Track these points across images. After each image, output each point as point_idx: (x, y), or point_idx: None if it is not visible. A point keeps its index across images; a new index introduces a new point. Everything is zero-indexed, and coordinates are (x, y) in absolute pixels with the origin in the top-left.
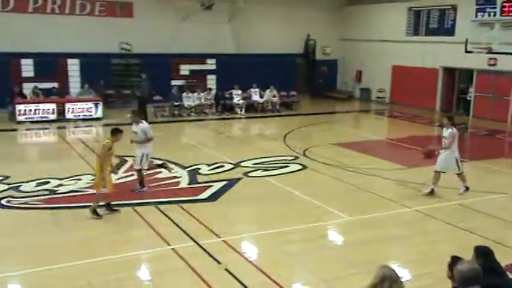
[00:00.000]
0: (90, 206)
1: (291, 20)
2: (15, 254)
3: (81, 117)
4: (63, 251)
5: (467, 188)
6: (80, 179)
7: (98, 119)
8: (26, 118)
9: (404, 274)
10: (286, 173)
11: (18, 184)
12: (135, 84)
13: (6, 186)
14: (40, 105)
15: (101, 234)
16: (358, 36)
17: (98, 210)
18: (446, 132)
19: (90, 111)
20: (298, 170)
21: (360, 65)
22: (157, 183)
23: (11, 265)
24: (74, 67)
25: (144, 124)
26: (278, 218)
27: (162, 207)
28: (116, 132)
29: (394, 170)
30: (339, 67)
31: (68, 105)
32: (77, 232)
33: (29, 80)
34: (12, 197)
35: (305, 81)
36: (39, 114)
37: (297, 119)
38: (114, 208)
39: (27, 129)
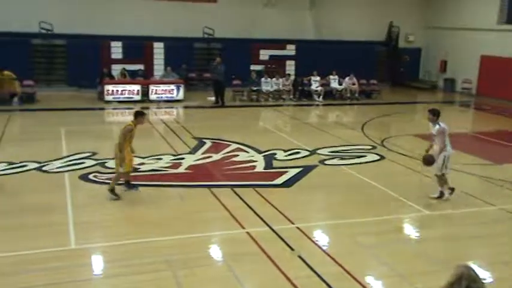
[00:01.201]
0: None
1: (374, 7)
2: (95, 228)
3: (163, 98)
4: (145, 227)
5: (441, 195)
6: (160, 159)
7: (179, 101)
8: (113, 98)
9: (486, 276)
10: (363, 162)
11: (105, 160)
12: (211, 68)
13: (94, 162)
14: (126, 86)
15: (180, 213)
16: (445, 24)
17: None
18: (434, 129)
19: (172, 93)
20: (375, 161)
21: (445, 55)
22: (234, 166)
23: (93, 238)
24: (159, 50)
25: None
26: (353, 208)
27: (237, 190)
28: (139, 115)
29: (479, 165)
30: (422, 56)
31: (151, 87)
32: (157, 210)
33: (117, 61)
34: (99, 172)
35: (386, 69)
36: (125, 94)
37: (376, 108)
38: (133, 184)
39: (114, 109)
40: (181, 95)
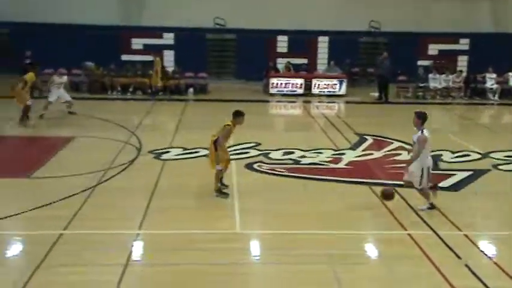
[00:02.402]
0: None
1: None
2: (257, 215)
3: (325, 93)
4: (305, 218)
5: (432, 207)
6: (321, 153)
7: (341, 95)
8: (277, 91)
9: None
10: None
11: (268, 151)
12: (377, 62)
13: (258, 152)
14: (290, 79)
15: (339, 208)
16: None
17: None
18: (415, 135)
19: (335, 88)
20: None
21: None
22: (395, 165)
23: (254, 224)
24: (323, 44)
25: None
26: None
27: (399, 189)
28: (238, 115)
29: None
30: None
31: (314, 81)
32: (316, 204)
33: (282, 55)
34: (262, 162)
35: None
36: (289, 87)
37: None
38: (224, 184)
39: (278, 101)
40: (343, 90)
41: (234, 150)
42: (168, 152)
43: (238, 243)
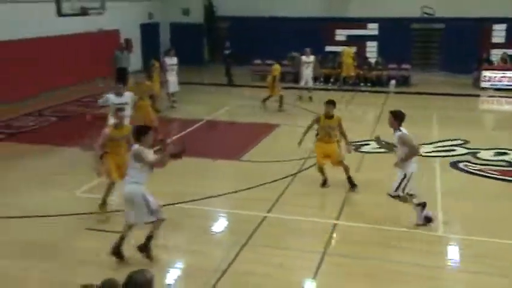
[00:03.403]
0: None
1: None
2: (462, 219)
3: None
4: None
5: (429, 221)
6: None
7: None
8: (490, 85)
9: None
10: None
11: (477, 150)
12: None
13: (465, 151)
14: (507, 72)
15: None
16: None
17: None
18: (395, 135)
19: None
20: None
21: None
22: None
23: (459, 228)
24: None
25: None
26: None
27: None
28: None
29: None
30: None
31: None
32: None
33: (498, 46)
34: (469, 162)
35: None
36: (504, 81)
37: None
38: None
39: (490, 96)
40: None
41: (438, 147)
42: (367, 144)
43: (438, 246)
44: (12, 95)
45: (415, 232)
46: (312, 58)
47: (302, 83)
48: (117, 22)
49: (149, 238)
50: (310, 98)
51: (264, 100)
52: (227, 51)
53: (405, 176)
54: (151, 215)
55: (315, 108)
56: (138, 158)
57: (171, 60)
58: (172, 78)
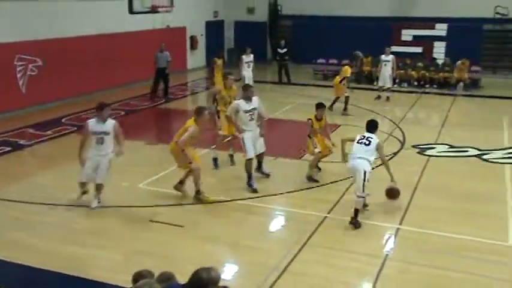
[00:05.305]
0: None
1: None
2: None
3: None
4: None
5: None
6: None
7: None
8: None
9: None
10: None
11: None
12: None
13: None
14: None
15: None
16: None
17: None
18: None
19: None
20: None
21: None
22: None
23: None
24: None
25: None
26: None
27: None
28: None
29: None
30: None
31: None
32: None
33: None
34: None
35: None
36: None
37: None
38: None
39: None
40: None
41: (509, 153)
42: (433, 148)
43: (506, 257)
44: (82, 89)
45: (482, 241)
46: (390, 57)
47: (380, 83)
48: (184, 20)
49: None
50: (388, 98)
51: (332, 104)
52: (282, 50)
53: (366, 173)
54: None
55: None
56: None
57: (248, 58)
58: (248, 73)
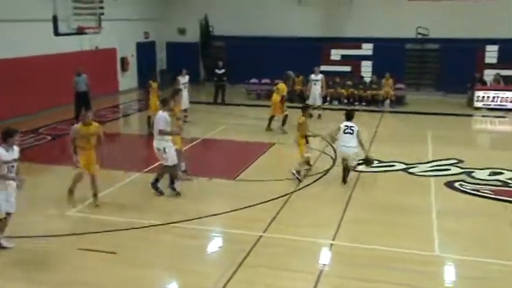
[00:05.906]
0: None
1: None
2: (458, 239)
3: None
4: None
5: None
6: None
7: None
8: (483, 105)
9: None
10: None
11: (472, 170)
12: None
13: (460, 170)
14: (500, 92)
15: None
16: None
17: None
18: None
19: None
20: None
21: None
22: None
23: (455, 249)
24: None
25: None
26: None
27: None
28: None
29: None
30: None
31: None
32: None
33: (491, 66)
34: (464, 181)
35: None
36: (497, 101)
37: None
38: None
39: (483, 116)
40: None
41: (433, 166)
42: (363, 163)
43: (436, 267)
44: (8, 113)
45: (411, 253)
46: (320, 76)
47: (310, 101)
48: (113, 41)
49: None
50: (319, 116)
51: (269, 124)
52: (219, 71)
53: None
54: None
55: (321, 125)
56: None
57: (184, 79)
58: (185, 94)
